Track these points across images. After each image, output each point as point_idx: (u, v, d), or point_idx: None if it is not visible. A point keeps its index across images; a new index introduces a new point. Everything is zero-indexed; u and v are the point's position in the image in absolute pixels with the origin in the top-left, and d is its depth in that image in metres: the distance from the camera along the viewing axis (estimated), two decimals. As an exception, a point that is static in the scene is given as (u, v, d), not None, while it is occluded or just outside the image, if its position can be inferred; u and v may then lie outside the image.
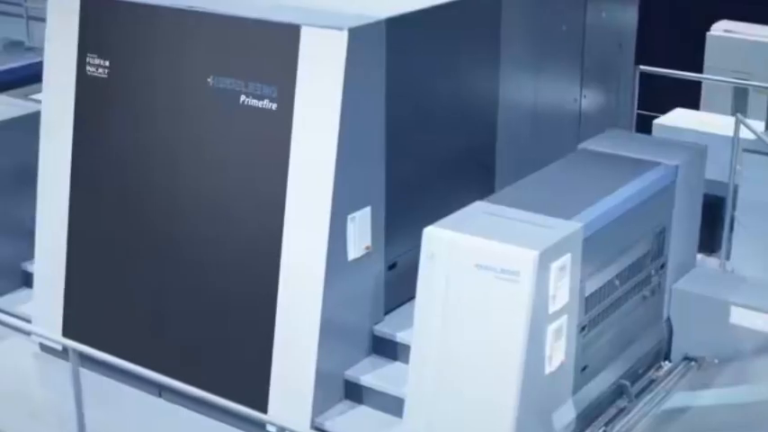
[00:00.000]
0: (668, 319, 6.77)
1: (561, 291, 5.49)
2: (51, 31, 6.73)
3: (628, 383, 6.28)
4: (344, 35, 5.60)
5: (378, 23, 5.84)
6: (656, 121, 8.12)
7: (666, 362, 6.76)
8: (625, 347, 6.37)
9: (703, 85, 9.33)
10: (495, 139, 6.95)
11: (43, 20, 11.32)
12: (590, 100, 7.84)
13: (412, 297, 6.44)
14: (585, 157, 6.61)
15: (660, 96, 8.97)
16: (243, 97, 5.95)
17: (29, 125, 7.28)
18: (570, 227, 5.58)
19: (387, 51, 5.93)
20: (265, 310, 5.99)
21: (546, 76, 7.31)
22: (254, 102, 5.92)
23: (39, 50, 9.13)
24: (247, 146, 5.99)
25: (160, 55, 6.27)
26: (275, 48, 5.83)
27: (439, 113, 6.48)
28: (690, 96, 9.33)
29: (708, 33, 9.35)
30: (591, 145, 6.80)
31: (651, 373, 6.63)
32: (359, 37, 5.66)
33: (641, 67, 8.07)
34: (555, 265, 5.40)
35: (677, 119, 8.18)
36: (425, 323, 5.56)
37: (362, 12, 5.99)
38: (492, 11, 6.69)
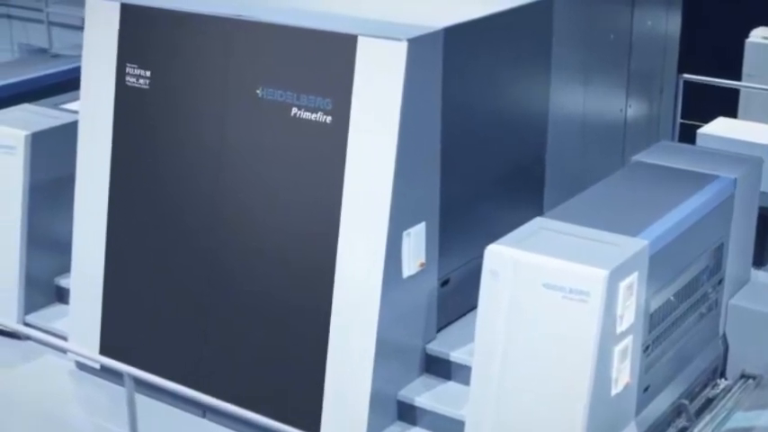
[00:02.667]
0: (724, 336, 6.60)
1: (628, 311, 5.32)
2: (89, 40, 6.53)
3: (687, 403, 6.11)
4: (404, 46, 5.41)
5: (436, 33, 5.65)
6: (700, 131, 7.93)
7: (722, 379, 6.59)
8: (683, 366, 6.19)
9: (741, 93, 9.15)
10: (545, 150, 6.77)
11: (63, 26, 11.25)
12: (635, 110, 7.68)
13: (463, 314, 6.35)
14: (642, 171, 6.44)
15: (695, 104, 8.79)
16: (294, 110, 5.75)
17: (63, 136, 7.10)
18: (637, 244, 5.41)
19: (443, 62, 5.75)
20: (318, 329, 5.79)
21: (594, 85, 7.14)
22: (306, 114, 5.72)
23: (65, 58, 8.96)
24: (299, 160, 5.79)
25: (205, 65, 6.06)
26: (330, 58, 5.63)
27: (491, 125, 6.30)
28: (726, 104, 9.15)
29: (746, 41, 9.18)
30: (645, 157, 6.63)
31: (708, 392, 6.46)
32: (418, 47, 5.48)
33: (685, 75, 7.89)
34: (623, 285, 5.22)
35: (721, 128, 8.00)
36: (487, 343, 5.38)
37: (416, 20, 5.82)
38: (544, 19, 6.51)
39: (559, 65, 6.70)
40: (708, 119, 8.58)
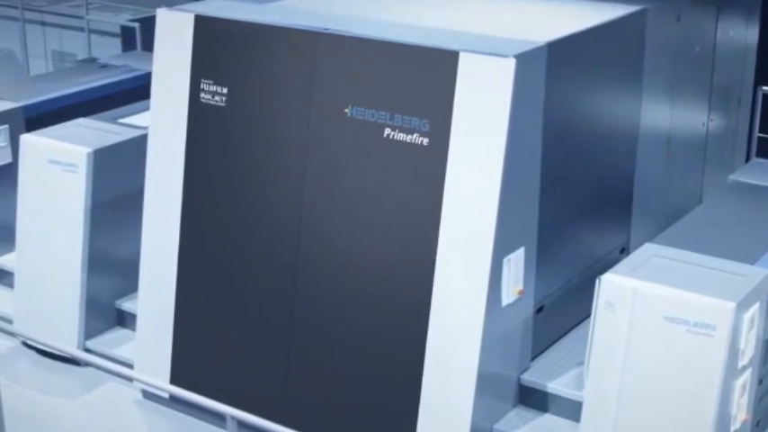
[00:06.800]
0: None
1: (750, 343, 5.03)
2: (160, 54, 6.17)
3: (793, 435, 5.84)
4: (512, 63, 5.10)
5: (540, 49, 5.34)
6: (778, 145, 7.66)
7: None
8: (787, 396, 5.92)
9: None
10: (635, 168, 6.48)
11: (99, 33, 10.92)
12: (716, 123, 7.39)
13: (554, 341, 6.07)
14: (743, 192, 6.16)
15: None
16: (387, 130, 5.43)
17: (124, 153, 6.80)
18: (758, 273, 5.11)
19: (545, 79, 5.45)
20: (412, 362, 5.48)
21: (680, 99, 6.85)
22: (401, 136, 5.40)
23: (113, 68, 8.63)
24: (392, 184, 5.45)
25: (288, 82, 5.72)
26: (428, 76, 5.30)
27: (587, 144, 6.01)
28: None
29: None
30: (742, 177, 6.37)
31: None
32: (524, 64, 5.16)
33: (765, 88, 7.60)
34: (747, 317, 4.93)
35: (800, 143, 7.72)
36: (602, 379, 5.09)
37: (514, 35, 5.53)
38: (638, 32, 6.23)
39: (650, 79, 6.42)
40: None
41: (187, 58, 6.04)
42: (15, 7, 11.22)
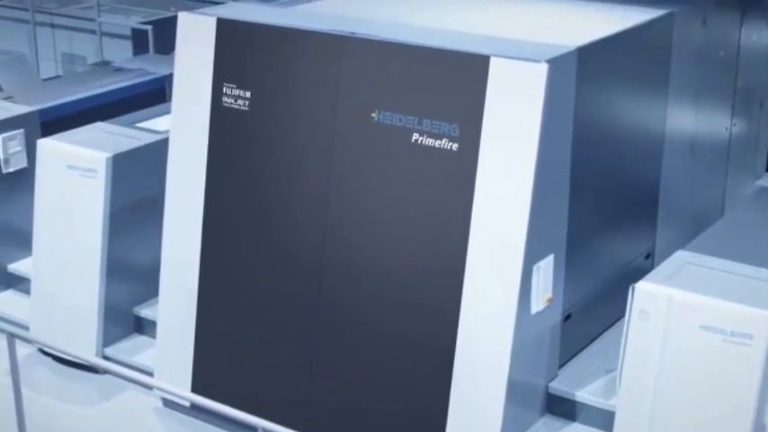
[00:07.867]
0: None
1: (786, 353, 4.96)
2: (181, 57, 6.09)
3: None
4: (544, 68, 5.02)
5: (571, 53, 5.27)
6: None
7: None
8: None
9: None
10: (660, 175, 6.41)
11: (111, 35, 10.86)
12: (738, 128, 7.32)
13: (581, 349, 6.01)
14: (771, 198, 6.11)
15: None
16: (415, 135, 5.35)
17: (143, 158, 6.72)
18: (793, 281, 5.05)
19: (575, 84, 5.38)
20: (441, 369, 5.40)
21: (704, 105, 6.78)
22: (429, 141, 5.32)
23: (129, 71, 8.55)
24: (420, 190, 5.37)
25: (313, 87, 5.64)
26: (457, 80, 5.23)
27: (615, 149, 5.94)
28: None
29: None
30: (769, 182, 6.31)
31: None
32: (556, 69, 5.09)
33: (786, 92, 7.54)
34: (784, 326, 4.87)
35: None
36: (635, 389, 5.02)
37: (543, 38, 5.45)
38: (665, 36, 6.16)
39: (676, 83, 6.35)
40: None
41: (209, 61, 5.96)
42: (26, 9, 11.15)
